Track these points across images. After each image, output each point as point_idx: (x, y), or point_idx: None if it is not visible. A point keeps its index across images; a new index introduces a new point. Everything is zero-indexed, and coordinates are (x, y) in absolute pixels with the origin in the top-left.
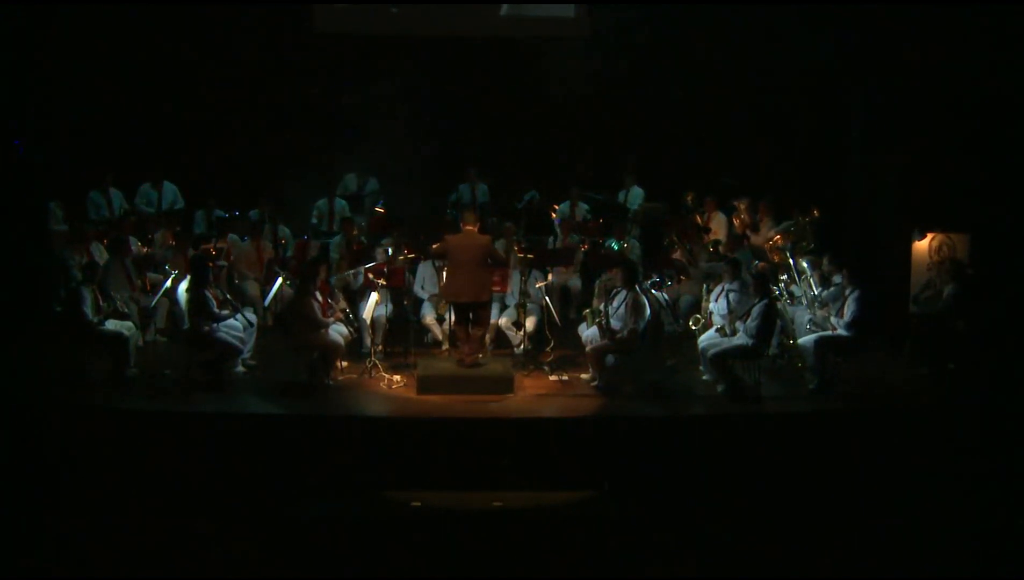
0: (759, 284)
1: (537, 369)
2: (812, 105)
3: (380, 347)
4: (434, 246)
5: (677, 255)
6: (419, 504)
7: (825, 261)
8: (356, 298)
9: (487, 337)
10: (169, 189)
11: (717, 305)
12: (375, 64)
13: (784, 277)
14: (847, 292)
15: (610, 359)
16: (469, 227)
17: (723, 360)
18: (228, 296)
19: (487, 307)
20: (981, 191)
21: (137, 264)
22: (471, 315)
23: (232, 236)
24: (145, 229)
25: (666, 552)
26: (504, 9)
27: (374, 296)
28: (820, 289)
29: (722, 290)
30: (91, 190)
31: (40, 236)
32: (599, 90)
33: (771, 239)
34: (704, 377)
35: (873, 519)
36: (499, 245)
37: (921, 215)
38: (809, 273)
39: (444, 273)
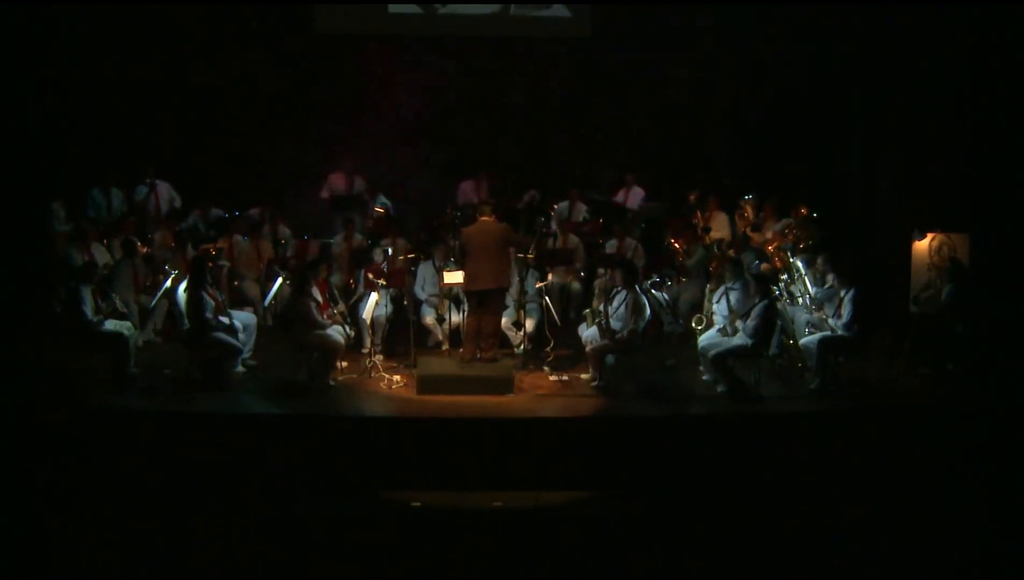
0: (760, 285)
1: (537, 369)
2: (813, 104)
3: (380, 347)
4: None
5: (679, 257)
6: (419, 504)
7: (820, 260)
8: (356, 300)
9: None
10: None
11: (719, 305)
12: (375, 64)
13: (784, 277)
14: (842, 293)
15: (610, 359)
16: (485, 218)
17: (723, 360)
18: (224, 298)
19: (502, 298)
20: (981, 191)
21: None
22: (486, 306)
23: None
24: (145, 229)
25: (666, 552)
26: (506, 9)
27: (374, 296)
28: (815, 289)
29: (724, 290)
30: (92, 188)
31: (40, 236)
32: (599, 90)
33: (768, 242)
34: (704, 377)
35: (873, 519)
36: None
37: (921, 215)
38: (804, 272)
39: (444, 274)
